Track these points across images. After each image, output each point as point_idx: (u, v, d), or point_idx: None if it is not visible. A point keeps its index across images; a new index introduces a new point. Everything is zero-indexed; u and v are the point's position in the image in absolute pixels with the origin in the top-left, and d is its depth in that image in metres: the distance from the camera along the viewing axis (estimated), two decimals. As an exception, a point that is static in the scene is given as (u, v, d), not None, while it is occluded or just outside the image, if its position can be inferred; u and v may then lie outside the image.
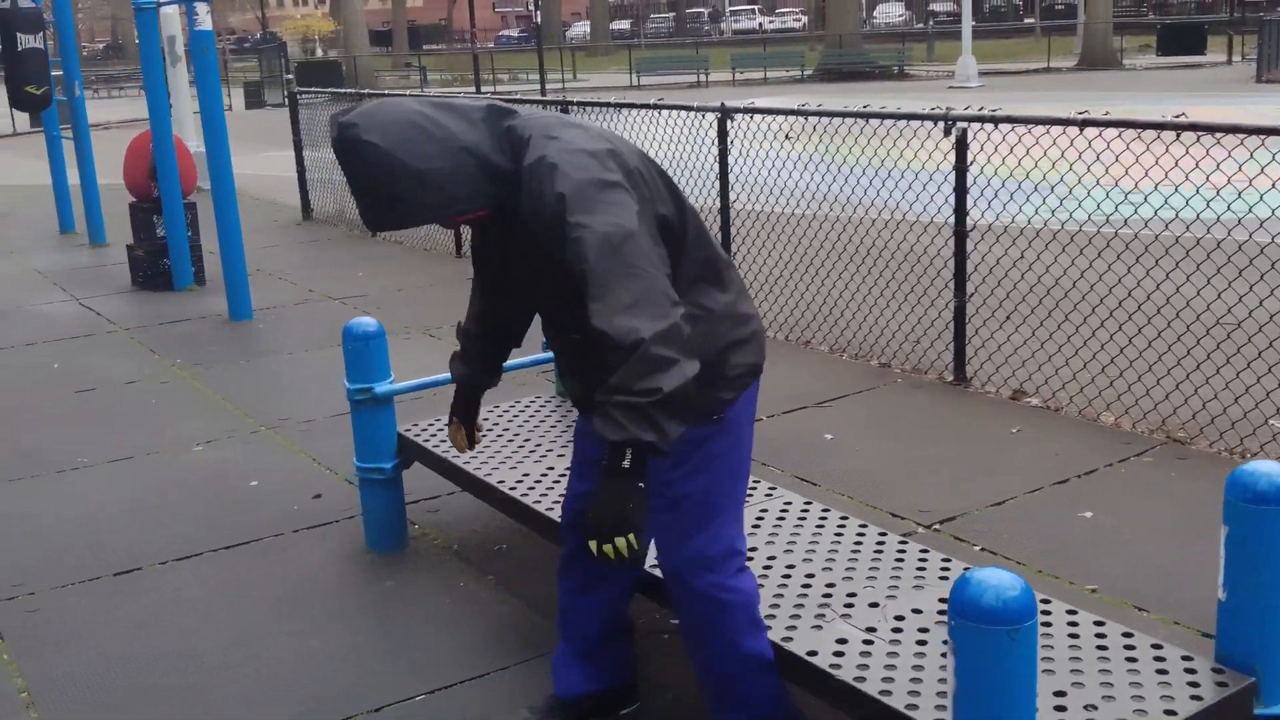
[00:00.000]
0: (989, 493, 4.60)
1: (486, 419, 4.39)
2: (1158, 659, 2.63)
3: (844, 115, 6.09)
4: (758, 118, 6.71)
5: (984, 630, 2.05)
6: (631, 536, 2.38)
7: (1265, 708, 2.52)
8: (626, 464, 2.35)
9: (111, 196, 11.51)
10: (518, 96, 11.09)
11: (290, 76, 11.96)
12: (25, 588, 4.12)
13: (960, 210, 5.63)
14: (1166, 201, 5.19)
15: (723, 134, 6.82)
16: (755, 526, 3.33)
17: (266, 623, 3.80)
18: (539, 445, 4.10)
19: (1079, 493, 4.59)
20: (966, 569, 3.02)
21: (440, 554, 4.26)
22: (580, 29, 67.29)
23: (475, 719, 3.22)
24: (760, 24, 66.70)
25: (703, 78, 36.68)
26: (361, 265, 9.81)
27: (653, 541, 2.79)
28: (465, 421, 3.18)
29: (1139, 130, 4.88)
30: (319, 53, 67.26)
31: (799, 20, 66.49)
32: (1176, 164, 5.03)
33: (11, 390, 6.55)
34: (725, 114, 6.75)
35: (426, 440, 4.18)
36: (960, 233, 5.68)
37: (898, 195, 6.42)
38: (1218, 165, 5.10)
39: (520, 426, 4.30)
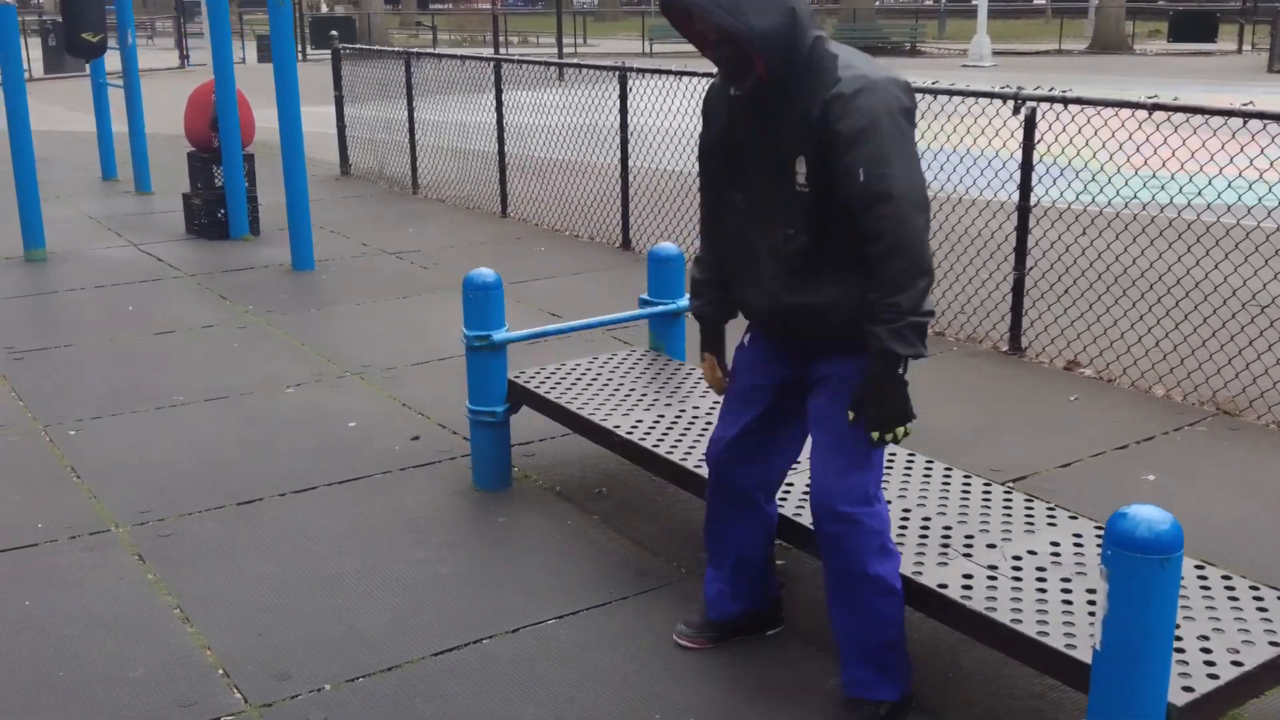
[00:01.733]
0: (1056, 455, 4.87)
1: (588, 370, 4.64)
2: (1256, 599, 2.90)
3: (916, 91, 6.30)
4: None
5: (1139, 559, 2.32)
6: (909, 425, 2.89)
7: (1356, 645, 2.80)
8: (903, 370, 2.82)
9: (152, 145, 11.69)
10: (534, 58, 11.26)
11: (335, 33, 12.06)
12: (154, 514, 4.36)
13: (1025, 187, 5.87)
14: (1210, 188, 5.44)
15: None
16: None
17: (395, 551, 4.06)
18: (644, 395, 4.35)
19: (1140, 457, 4.86)
20: (1072, 516, 3.31)
21: (544, 494, 4.52)
22: (588, -6, 66.98)
23: (610, 639, 3.49)
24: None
25: (715, 47, 36.67)
26: (408, 221, 10.02)
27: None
28: (717, 355, 3.36)
29: (1207, 116, 5.12)
30: (323, 8, 66.91)
31: (808, -8, 66.24)
32: (1231, 153, 5.28)
33: (94, 329, 6.77)
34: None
35: (538, 386, 4.43)
36: (1023, 208, 5.92)
37: (958, 174, 6.65)
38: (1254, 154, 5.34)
39: (623, 378, 4.54)
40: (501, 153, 10.14)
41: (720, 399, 3.57)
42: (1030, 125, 5.80)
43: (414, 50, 11.62)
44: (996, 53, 31.22)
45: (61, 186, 11.75)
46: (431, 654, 3.43)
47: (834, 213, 2.84)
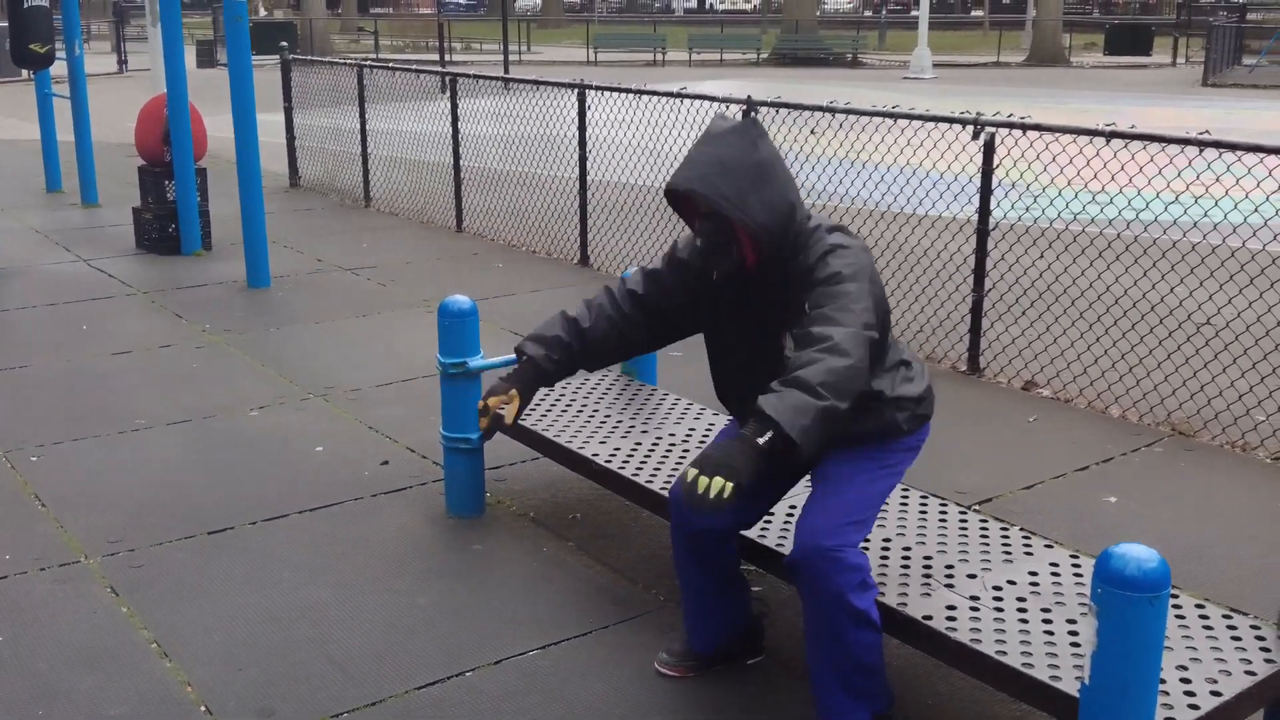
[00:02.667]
0: (1019, 476, 4.97)
1: (561, 396, 4.66)
2: (1230, 626, 2.99)
3: (873, 114, 6.40)
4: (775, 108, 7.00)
5: (1128, 597, 2.39)
6: (730, 486, 2.66)
7: (1327, 671, 2.89)
8: (763, 441, 2.71)
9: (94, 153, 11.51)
10: (475, 72, 11.26)
11: (285, 44, 11.97)
12: (124, 544, 4.32)
13: (984, 210, 5.98)
14: (1167, 209, 5.59)
15: (747, 126, 7.09)
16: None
17: (372, 580, 4.05)
18: (620, 421, 4.38)
19: (1100, 478, 4.97)
20: (1048, 545, 3.39)
21: (518, 520, 4.53)
22: (532, 0, 67.00)
23: (592, 670, 3.51)
24: (710, 4, 66.90)
25: (660, 56, 36.85)
26: (362, 236, 9.97)
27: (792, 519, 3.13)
28: (524, 398, 3.40)
29: (1164, 145, 5.25)
30: (261, 11, 66.18)
31: (750, 2, 66.81)
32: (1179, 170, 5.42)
33: (49, 349, 6.67)
34: (750, 106, 7.04)
35: (512, 413, 4.43)
36: (982, 231, 6.03)
37: (918, 194, 6.76)
38: (1194, 175, 5.50)
39: (597, 403, 4.57)
40: (457, 166, 10.12)
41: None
42: (989, 150, 5.91)
43: (368, 62, 11.56)
44: (937, 64, 31.65)
45: (4, 198, 11.56)
46: (415, 687, 3.43)
47: None
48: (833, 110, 6.56)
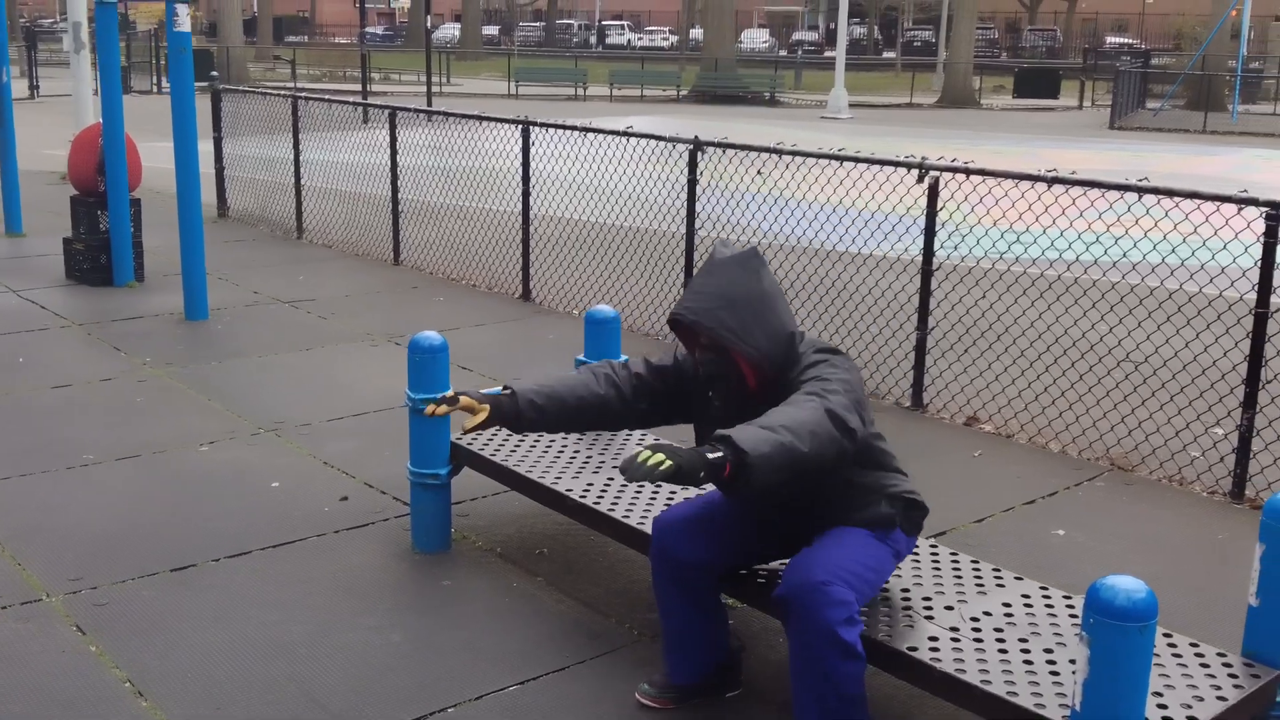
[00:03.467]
0: (969, 511, 5.10)
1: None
2: (1198, 655, 3.12)
3: (819, 156, 6.56)
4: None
5: (1119, 626, 2.49)
6: (668, 464, 2.77)
7: (1289, 697, 3.04)
8: (712, 457, 2.80)
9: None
10: (412, 106, 11.25)
11: (216, 73, 11.87)
12: (85, 582, 4.25)
13: (928, 251, 6.15)
14: (1108, 250, 5.81)
15: (693, 165, 7.23)
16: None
17: (342, 617, 4.04)
18: (590, 457, 4.43)
19: (1047, 512, 5.13)
20: (1017, 578, 3.51)
21: (485, 556, 4.55)
22: (448, 31, 66.98)
23: (574, 705, 3.54)
24: (629, 40, 67.51)
25: (581, 91, 37.09)
26: (297, 268, 9.90)
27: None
28: (489, 424, 3.44)
29: (1103, 190, 5.46)
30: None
31: (667, 39, 67.55)
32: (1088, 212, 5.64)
33: (-15, 383, 6.53)
34: (698, 147, 7.16)
35: (482, 448, 4.46)
36: (926, 271, 6.20)
37: (863, 234, 6.92)
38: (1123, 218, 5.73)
39: (564, 438, 4.61)
40: (395, 198, 10.11)
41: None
42: (934, 193, 6.09)
43: (302, 93, 11.50)
44: (853, 104, 32.29)
45: (-78, 227, 11.26)
46: (399, 724, 3.43)
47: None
48: (779, 151, 6.70)
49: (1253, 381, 5.11)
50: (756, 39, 66.66)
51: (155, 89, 32.97)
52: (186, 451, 5.58)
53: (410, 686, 3.62)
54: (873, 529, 3.27)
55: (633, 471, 2.79)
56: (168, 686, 3.58)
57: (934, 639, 3.16)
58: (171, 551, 4.49)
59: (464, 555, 4.54)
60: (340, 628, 3.97)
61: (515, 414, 3.47)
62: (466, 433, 3.46)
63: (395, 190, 10.09)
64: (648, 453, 2.80)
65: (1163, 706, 2.87)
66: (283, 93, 11.85)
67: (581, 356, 4.96)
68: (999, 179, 5.87)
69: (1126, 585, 2.53)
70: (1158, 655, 3.12)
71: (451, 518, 4.65)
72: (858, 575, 3.14)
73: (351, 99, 11.70)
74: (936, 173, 6.07)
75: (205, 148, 12.04)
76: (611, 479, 4.22)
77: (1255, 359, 5.09)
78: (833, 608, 3.05)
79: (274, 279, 9.42)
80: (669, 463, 2.77)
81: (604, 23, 71.04)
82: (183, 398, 6.38)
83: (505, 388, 3.51)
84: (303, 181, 11.39)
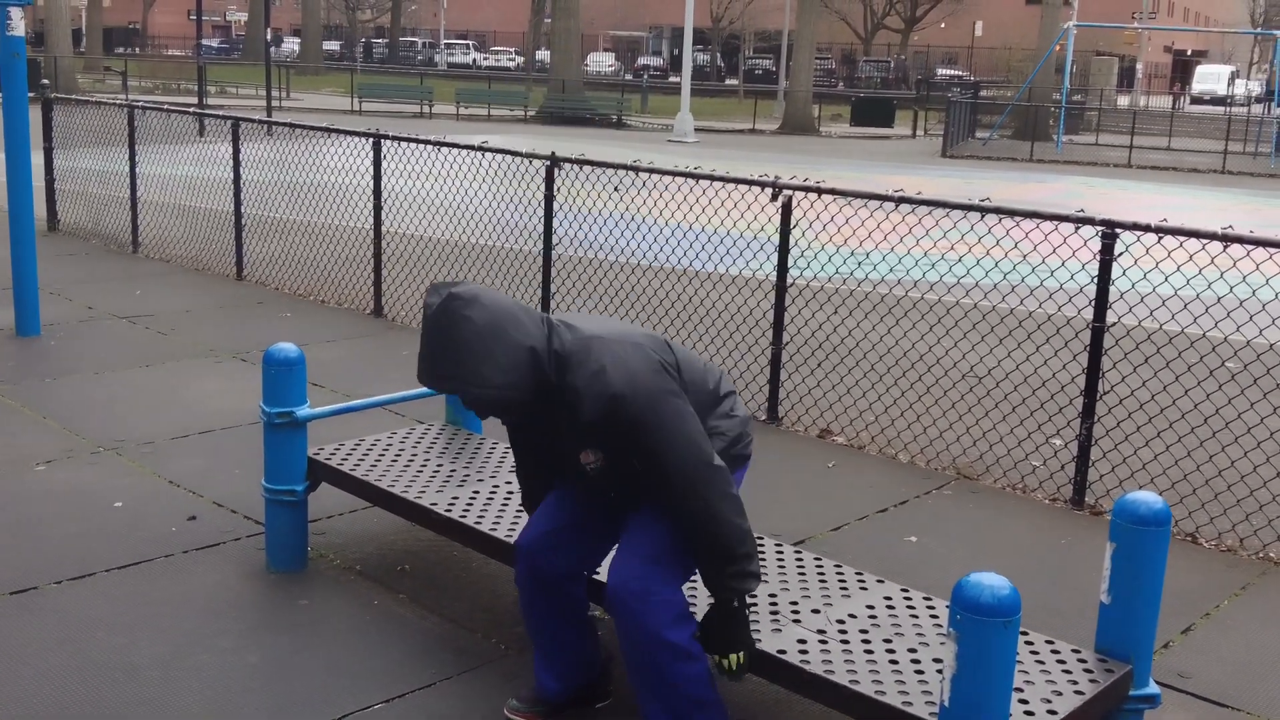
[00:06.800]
0: (826, 519, 5.21)
1: (389, 445, 4.60)
2: (1054, 651, 3.24)
3: (676, 174, 6.63)
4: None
5: (984, 622, 2.57)
6: (743, 654, 3.09)
7: (1137, 689, 3.18)
8: (737, 604, 3.07)
9: None
10: (241, 114, 11.06)
11: (46, 82, 11.37)
12: (-90, 607, 4.00)
13: (782, 268, 6.27)
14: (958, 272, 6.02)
15: (550, 181, 7.22)
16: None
17: (195, 638, 3.88)
18: (454, 470, 4.37)
19: (898, 519, 5.27)
20: (879, 580, 3.59)
21: (343, 574, 4.43)
22: (288, 46, 65.64)
23: (441, 718, 3.47)
24: (475, 60, 67.22)
25: (427, 108, 36.75)
26: (133, 283, 9.53)
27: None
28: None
29: (948, 210, 5.66)
30: None
31: (513, 60, 67.48)
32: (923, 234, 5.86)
33: None
34: (555, 163, 7.16)
35: (340, 463, 4.36)
36: (781, 287, 6.32)
37: (717, 252, 7.02)
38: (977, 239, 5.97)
39: (426, 452, 4.54)
40: (238, 210, 9.82)
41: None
42: (787, 211, 6.21)
43: (140, 103, 11.09)
44: (698, 129, 32.76)
45: None
46: (260, 746, 3.31)
47: (633, 471, 3.14)
48: (637, 169, 6.75)
49: (1090, 393, 5.35)
50: (602, 63, 67.16)
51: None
52: (21, 472, 5.30)
53: (270, 708, 3.50)
54: None
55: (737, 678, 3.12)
56: (11, 710, 3.39)
57: (802, 641, 3.21)
58: (8, 575, 4.26)
59: (322, 574, 4.42)
60: (193, 649, 3.81)
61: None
62: None
63: (238, 200, 9.79)
64: (726, 661, 3.09)
65: (1024, 702, 2.97)
66: (119, 102, 11.42)
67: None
68: (849, 199, 6.03)
69: (991, 582, 2.61)
70: (1017, 652, 3.22)
71: (308, 536, 4.53)
72: (680, 552, 3.15)
73: (205, 111, 11.35)
74: (790, 191, 6.19)
75: (35, 160, 11.58)
76: (477, 493, 4.16)
77: (1093, 370, 5.33)
78: (656, 610, 3.08)
79: (109, 294, 9.05)
80: (740, 655, 3.09)
81: (448, 42, 70.56)
82: (15, 416, 6.07)
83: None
84: (139, 195, 10.99)
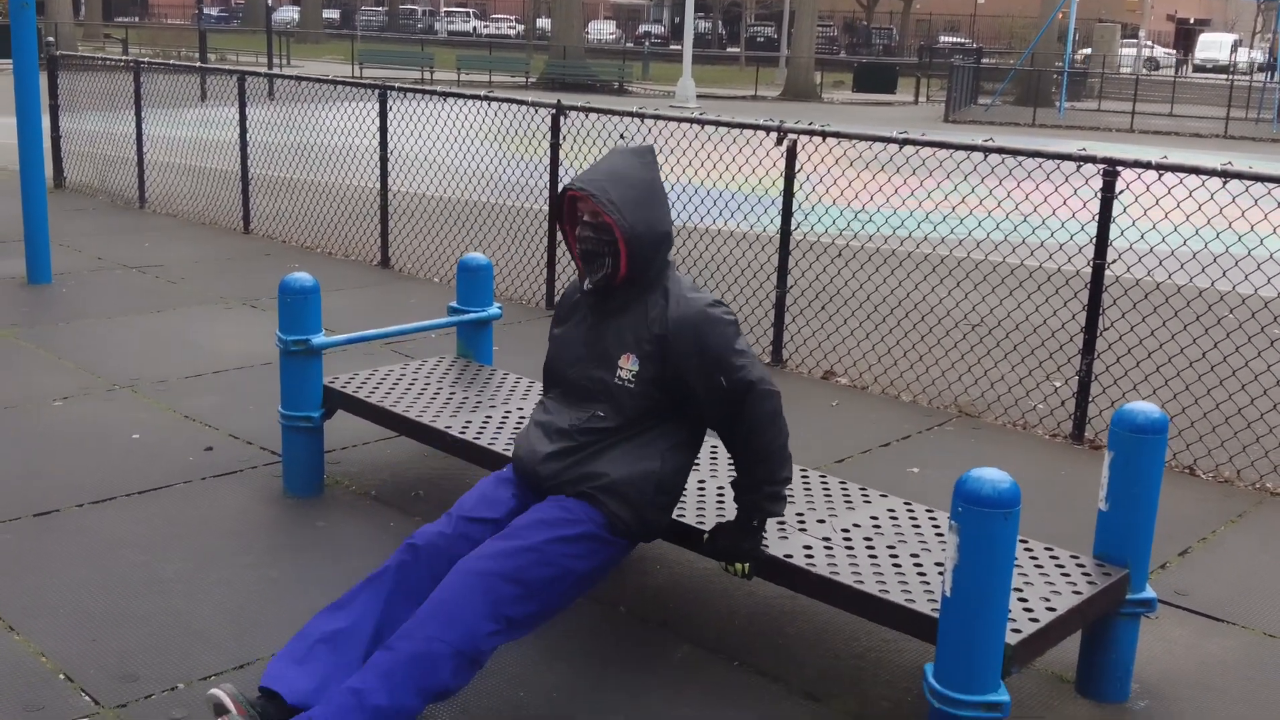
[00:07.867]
0: (830, 452, 5.30)
1: (403, 376, 4.69)
2: (1053, 557, 3.34)
3: (681, 120, 6.70)
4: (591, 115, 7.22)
5: (986, 513, 2.67)
6: (749, 565, 3.23)
7: (1134, 593, 3.28)
8: (757, 523, 3.20)
9: None
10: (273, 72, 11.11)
11: (51, 39, 11.41)
12: (-62, 528, 4.10)
13: (787, 212, 6.35)
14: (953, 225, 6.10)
15: (555, 130, 7.28)
16: (701, 463, 3.85)
17: (217, 556, 3.99)
18: (466, 398, 4.46)
19: (902, 452, 5.37)
20: (882, 495, 3.69)
21: (359, 499, 4.54)
22: (287, 14, 65.35)
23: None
24: (475, 28, 66.95)
25: (428, 75, 36.66)
26: (142, 235, 9.61)
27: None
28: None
29: (951, 150, 5.73)
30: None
31: (513, 28, 67.21)
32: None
33: None
34: (560, 110, 7.22)
35: (356, 390, 4.45)
36: (785, 230, 6.40)
37: (725, 212, 7.09)
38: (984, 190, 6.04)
39: (439, 382, 4.63)
40: (244, 165, 9.88)
41: None
42: (791, 155, 6.28)
43: (144, 60, 11.13)
44: (699, 96, 32.69)
45: None
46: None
47: (644, 405, 3.18)
48: (642, 116, 6.81)
49: (1091, 329, 5.44)
50: (604, 30, 66.90)
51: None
52: (39, 408, 5.40)
53: (293, 616, 3.60)
54: (598, 519, 3.21)
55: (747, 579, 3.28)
56: (40, 622, 3.50)
57: (808, 547, 3.30)
58: (31, 499, 4.36)
59: (338, 499, 4.53)
60: (215, 565, 3.92)
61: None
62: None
63: (245, 152, 9.85)
64: (733, 567, 3.24)
65: (1023, 600, 3.07)
66: (124, 61, 11.45)
67: (454, 304, 4.98)
68: (853, 141, 6.10)
69: (991, 476, 2.70)
70: (1016, 557, 3.32)
71: (324, 465, 4.63)
72: (525, 591, 2.99)
73: (196, 68, 11.38)
74: (794, 135, 6.26)
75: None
76: (489, 418, 4.26)
77: (1093, 308, 5.41)
78: (490, 605, 2.92)
79: (118, 245, 9.12)
80: (747, 566, 3.23)
81: (448, 9, 70.25)
82: (31, 356, 6.16)
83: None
84: (145, 155, 11.03)
